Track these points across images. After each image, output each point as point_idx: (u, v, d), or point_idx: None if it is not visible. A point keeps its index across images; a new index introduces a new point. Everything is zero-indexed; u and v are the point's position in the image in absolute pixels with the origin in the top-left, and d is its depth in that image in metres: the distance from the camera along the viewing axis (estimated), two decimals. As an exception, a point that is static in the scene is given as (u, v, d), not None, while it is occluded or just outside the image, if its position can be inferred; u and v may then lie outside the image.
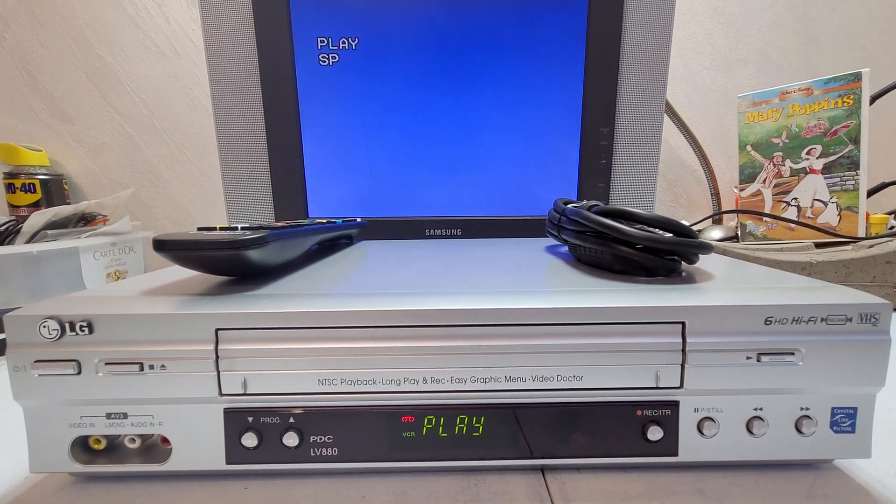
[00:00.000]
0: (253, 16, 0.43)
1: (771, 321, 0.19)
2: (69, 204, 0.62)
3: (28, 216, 0.52)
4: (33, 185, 0.69)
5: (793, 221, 0.56)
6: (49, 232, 0.52)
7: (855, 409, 0.19)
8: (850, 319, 0.19)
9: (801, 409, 0.20)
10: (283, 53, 0.44)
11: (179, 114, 0.76)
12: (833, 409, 0.19)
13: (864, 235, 0.54)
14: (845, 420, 0.19)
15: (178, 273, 0.27)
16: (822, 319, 0.19)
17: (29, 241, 0.51)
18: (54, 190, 0.72)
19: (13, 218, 0.56)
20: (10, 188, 0.69)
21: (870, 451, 0.20)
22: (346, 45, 0.45)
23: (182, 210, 0.79)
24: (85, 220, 0.59)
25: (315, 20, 0.44)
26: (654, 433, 0.20)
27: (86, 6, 0.72)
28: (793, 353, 0.19)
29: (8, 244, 0.51)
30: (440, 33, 0.45)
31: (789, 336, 0.19)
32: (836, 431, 0.20)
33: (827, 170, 0.56)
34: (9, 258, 0.46)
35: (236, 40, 0.44)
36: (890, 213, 0.61)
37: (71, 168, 0.76)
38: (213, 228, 0.23)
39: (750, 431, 0.20)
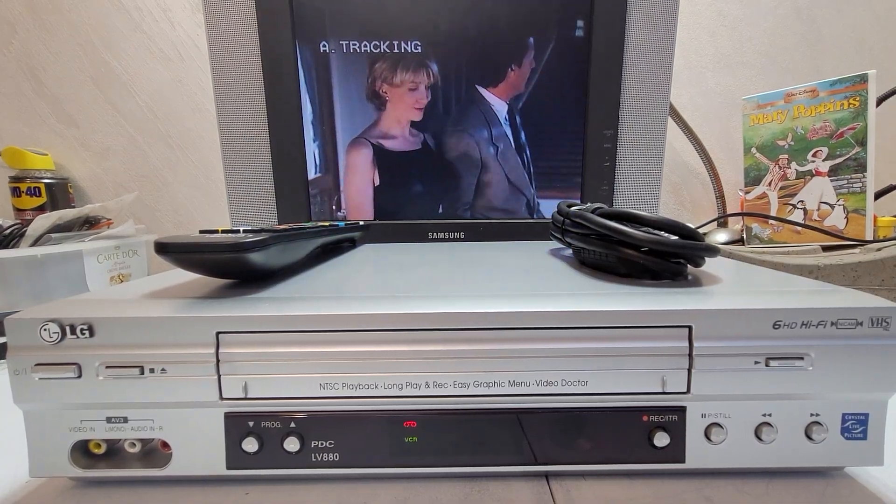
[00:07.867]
0: (256, 19, 0.43)
1: (780, 325, 0.18)
2: (74, 207, 0.62)
3: (33, 220, 0.53)
4: (38, 188, 0.70)
5: (799, 224, 0.55)
6: (53, 235, 0.53)
7: (867, 414, 0.19)
8: (861, 323, 0.18)
9: (811, 415, 0.19)
10: (286, 56, 0.44)
11: (184, 118, 0.76)
12: (844, 415, 0.19)
13: (871, 238, 0.53)
14: (856, 426, 0.19)
15: (180, 276, 0.27)
16: (832, 323, 0.18)
17: (33, 245, 0.51)
18: (59, 194, 0.72)
19: (18, 221, 0.56)
20: (16, 192, 0.70)
21: (882, 458, 0.19)
22: (349, 47, 0.45)
23: (186, 213, 0.79)
24: (89, 224, 0.59)
25: (319, 22, 0.44)
26: (661, 439, 0.19)
27: (92, 12, 0.73)
28: (802, 358, 0.18)
29: (12, 247, 0.51)
30: (443, 34, 0.45)
31: (798, 340, 0.18)
32: (847, 438, 0.19)
33: (833, 172, 0.56)
34: (13, 261, 0.46)
35: (240, 43, 0.44)
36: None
37: (76, 172, 0.77)
38: (216, 231, 0.23)
39: (759, 438, 0.19)
